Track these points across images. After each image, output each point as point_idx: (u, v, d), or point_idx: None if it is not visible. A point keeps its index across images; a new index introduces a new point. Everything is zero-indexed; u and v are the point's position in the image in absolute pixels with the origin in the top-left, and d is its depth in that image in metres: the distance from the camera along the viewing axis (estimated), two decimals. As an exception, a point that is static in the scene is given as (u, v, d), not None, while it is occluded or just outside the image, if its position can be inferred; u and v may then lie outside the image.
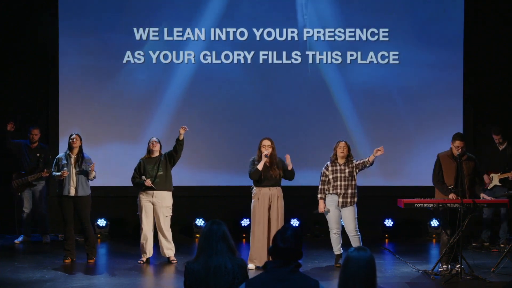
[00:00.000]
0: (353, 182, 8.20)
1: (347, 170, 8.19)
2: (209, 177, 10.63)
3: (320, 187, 8.28)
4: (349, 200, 8.16)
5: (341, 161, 8.23)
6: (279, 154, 8.31)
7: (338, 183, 8.17)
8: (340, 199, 8.17)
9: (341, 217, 8.26)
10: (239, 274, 3.98)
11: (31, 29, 10.65)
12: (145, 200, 8.48)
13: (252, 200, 8.23)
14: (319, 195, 8.27)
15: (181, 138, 8.47)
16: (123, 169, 10.29)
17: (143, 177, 8.41)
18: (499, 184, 9.51)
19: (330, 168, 8.25)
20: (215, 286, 3.95)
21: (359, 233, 8.22)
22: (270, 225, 8.10)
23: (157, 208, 8.48)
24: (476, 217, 9.52)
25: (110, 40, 10.62)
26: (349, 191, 8.16)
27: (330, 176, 8.22)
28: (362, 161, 8.21)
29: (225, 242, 4.01)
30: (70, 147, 8.53)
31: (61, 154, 8.70)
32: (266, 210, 8.11)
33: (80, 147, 8.56)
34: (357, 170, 8.22)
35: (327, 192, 8.24)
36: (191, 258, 4.11)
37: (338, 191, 8.17)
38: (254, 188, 8.25)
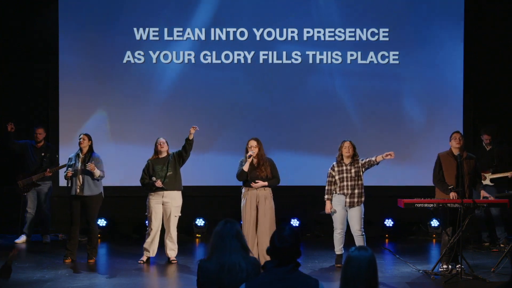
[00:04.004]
0: (360, 182, 8.14)
1: (353, 170, 8.13)
2: (209, 177, 10.63)
3: (326, 187, 8.24)
4: (356, 200, 8.11)
5: (346, 161, 8.17)
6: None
7: (345, 183, 8.12)
8: (347, 199, 8.11)
9: (347, 218, 8.22)
10: (253, 273, 3.99)
11: (31, 29, 10.65)
12: (155, 202, 8.48)
13: (242, 200, 8.25)
14: (325, 196, 8.23)
15: (191, 137, 8.49)
16: (123, 169, 10.31)
17: (153, 178, 8.41)
18: (490, 184, 9.51)
19: (336, 169, 8.20)
20: (229, 284, 3.95)
21: (364, 233, 8.17)
22: (258, 225, 8.09)
23: (167, 208, 8.49)
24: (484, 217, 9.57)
25: (110, 40, 10.62)
26: (356, 191, 8.10)
27: (337, 177, 8.17)
28: (368, 160, 8.12)
29: (239, 240, 4.03)
30: (80, 147, 8.56)
31: (72, 154, 8.72)
32: (253, 210, 8.11)
33: (90, 147, 8.58)
34: (363, 169, 8.15)
35: (334, 192, 8.21)
36: (204, 257, 4.12)
37: (345, 191, 8.11)
38: (243, 188, 8.27)
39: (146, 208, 8.59)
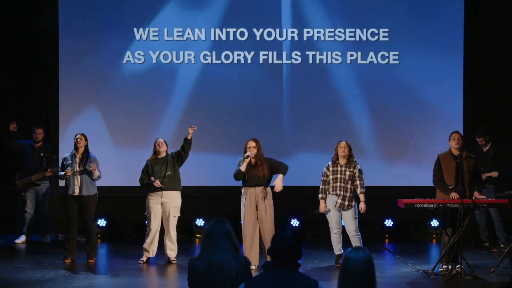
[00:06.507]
0: (351, 187, 8.15)
1: (347, 173, 8.14)
2: (209, 177, 10.63)
3: (321, 187, 8.26)
4: (347, 203, 8.13)
5: (342, 161, 8.19)
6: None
7: (338, 184, 8.14)
8: (339, 200, 8.14)
9: (341, 217, 8.26)
10: (242, 272, 4.00)
11: (31, 28, 10.65)
12: (154, 202, 8.48)
13: (241, 199, 8.27)
14: (319, 195, 8.25)
15: (189, 137, 8.50)
16: (123, 169, 10.32)
17: (152, 178, 8.41)
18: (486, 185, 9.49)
19: (331, 168, 8.22)
20: (218, 283, 3.97)
21: (359, 233, 8.21)
22: (260, 224, 8.10)
23: (166, 208, 8.49)
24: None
25: (110, 40, 10.62)
26: (348, 194, 8.13)
27: (331, 177, 8.19)
28: (358, 183, 8.11)
29: (229, 239, 4.04)
30: (76, 147, 8.55)
31: (67, 154, 8.72)
32: (253, 210, 8.11)
33: (86, 147, 8.58)
34: (354, 179, 8.16)
35: (327, 192, 8.23)
36: (195, 256, 4.13)
37: (338, 192, 8.14)
38: (243, 188, 8.29)
39: (146, 208, 8.60)
